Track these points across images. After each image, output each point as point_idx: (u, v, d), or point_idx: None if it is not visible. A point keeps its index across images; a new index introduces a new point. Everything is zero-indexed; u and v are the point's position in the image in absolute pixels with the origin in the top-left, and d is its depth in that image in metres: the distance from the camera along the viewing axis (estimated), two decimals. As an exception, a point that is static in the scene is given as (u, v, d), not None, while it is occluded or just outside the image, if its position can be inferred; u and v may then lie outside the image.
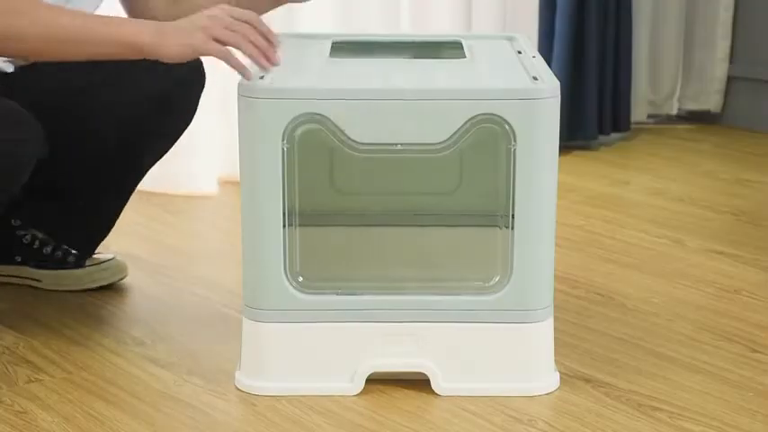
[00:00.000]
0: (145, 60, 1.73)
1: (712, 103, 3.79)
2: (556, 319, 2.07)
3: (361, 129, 1.69)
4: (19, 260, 2.22)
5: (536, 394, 1.76)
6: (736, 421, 1.69)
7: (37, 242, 2.22)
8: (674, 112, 3.80)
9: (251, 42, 1.69)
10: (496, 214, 1.78)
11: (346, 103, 1.68)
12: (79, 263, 2.21)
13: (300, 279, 1.76)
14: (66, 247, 2.23)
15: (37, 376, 1.83)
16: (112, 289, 2.21)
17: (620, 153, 3.40)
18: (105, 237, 2.24)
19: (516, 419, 1.68)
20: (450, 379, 1.76)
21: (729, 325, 2.05)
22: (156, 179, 2.89)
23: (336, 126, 1.69)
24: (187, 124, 2.17)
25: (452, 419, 1.69)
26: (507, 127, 1.69)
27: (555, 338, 1.98)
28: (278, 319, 1.75)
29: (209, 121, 2.82)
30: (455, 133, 1.70)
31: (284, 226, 1.72)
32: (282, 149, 1.69)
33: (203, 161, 2.88)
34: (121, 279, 2.23)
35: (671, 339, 1.98)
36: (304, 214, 1.76)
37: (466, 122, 1.69)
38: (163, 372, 1.85)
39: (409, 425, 1.67)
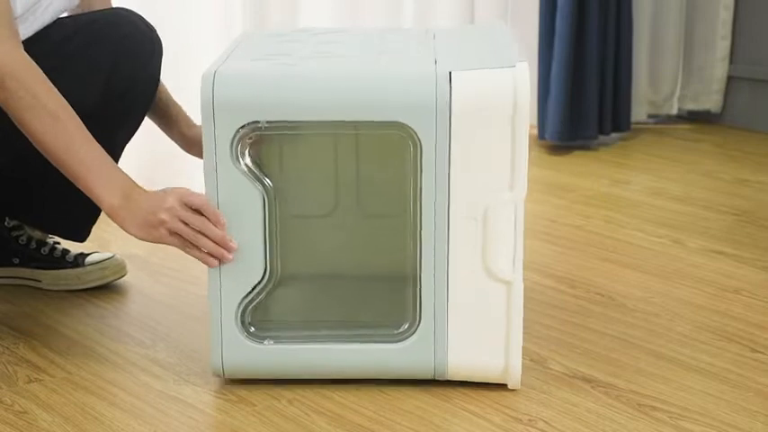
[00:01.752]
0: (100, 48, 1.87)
1: (712, 103, 3.80)
2: (556, 318, 2.07)
3: None
4: (17, 262, 2.22)
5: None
6: (736, 421, 1.69)
7: (33, 243, 2.22)
8: (674, 112, 3.81)
9: (204, 239, 1.73)
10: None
11: None
12: (78, 261, 2.21)
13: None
14: (58, 245, 2.22)
15: (37, 376, 1.83)
16: (112, 289, 2.21)
17: (620, 153, 3.40)
18: (96, 219, 2.20)
19: (516, 419, 1.69)
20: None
21: (729, 325, 2.05)
22: (156, 179, 2.90)
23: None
24: (153, 92, 2.12)
25: (452, 419, 1.69)
26: None
27: (555, 338, 1.98)
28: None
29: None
30: None
31: None
32: None
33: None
34: (121, 277, 2.23)
35: (671, 339, 1.98)
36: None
37: None
38: (163, 372, 1.85)
39: (409, 425, 1.67)
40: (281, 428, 1.66)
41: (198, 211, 1.73)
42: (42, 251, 2.21)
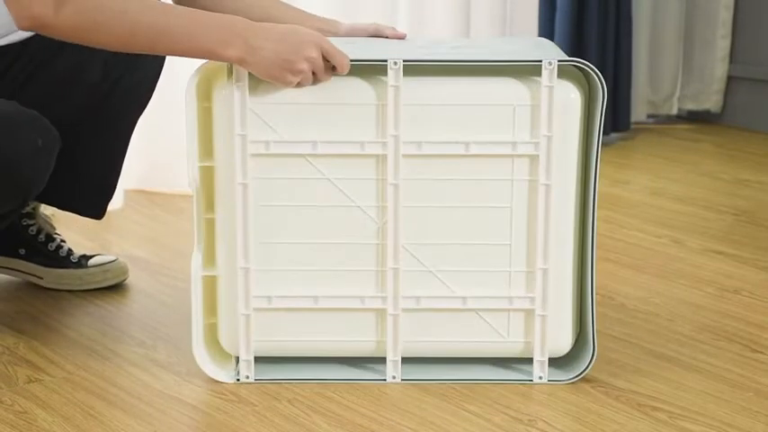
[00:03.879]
0: None
1: (712, 103, 3.80)
2: (556, 319, 2.07)
3: None
4: (23, 253, 2.23)
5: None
6: (736, 421, 1.69)
7: (42, 236, 2.22)
8: (674, 112, 3.81)
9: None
10: None
11: None
12: (81, 262, 2.21)
13: None
14: (65, 243, 2.22)
15: (37, 376, 1.83)
16: (113, 289, 2.21)
17: (620, 153, 3.40)
18: (112, 196, 2.21)
19: (516, 419, 1.69)
20: None
21: (729, 325, 2.05)
22: (156, 179, 2.91)
23: None
24: (156, 71, 2.11)
25: (452, 419, 1.69)
26: None
27: (555, 338, 1.98)
28: None
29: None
30: None
31: None
32: None
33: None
34: (123, 281, 2.23)
35: (671, 339, 1.98)
36: None
37: None
38: (163, 372, 1.85)
39: (409, 425, 1.67)
40: (281, 428, 1.66)
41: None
42: (49, 246, 2.21)
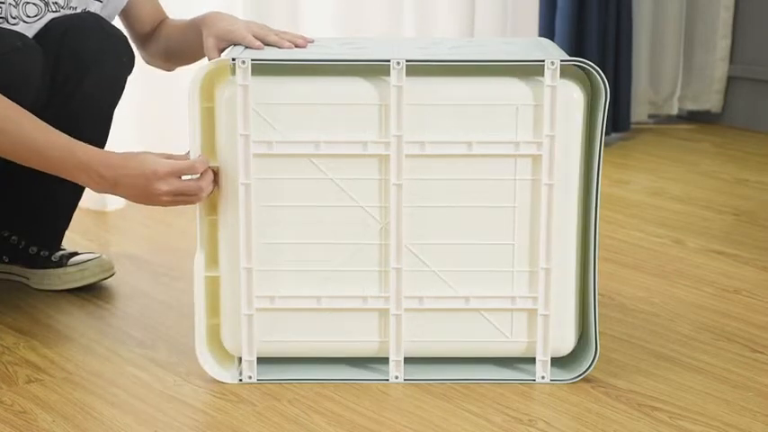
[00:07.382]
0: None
1: (712, 103, 3.80)
2: (556, 319, 2.07)
3: None
4: (7, 260, 2.23)
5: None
6: (736, 421, 1.69)
7: (23, 242, 2.22)
8: (675, 112, 3.81)
9: (201, 195, 1.76)
10: None
11: None
12: (62, 261, 2.20)
13: None
14: (35, 248, 2.22)
15: (37, 376, 1.83)
16: (113, 289, 2.21)
17: (620, 153, 3.40)
18: (66, 228, 2.23)
19: (516, 419, 1.69)
20: None
21: (729, 325, 2.05)
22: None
23: None
24: (115, 90, 2.13)
25: (452, 419, 1.69)
26: None
27: (555, 338, 1.98)
28: None
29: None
30: None
31: None
32: None
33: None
34: (104, 279, 2.22)
35: (671, 339, 1.98)
36: None
37: None
38: (163, 372, 1.85)
39: (409, 425, 1.67)
40: (281, 428, 1.66)
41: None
42: (30, 251, 2.21)
